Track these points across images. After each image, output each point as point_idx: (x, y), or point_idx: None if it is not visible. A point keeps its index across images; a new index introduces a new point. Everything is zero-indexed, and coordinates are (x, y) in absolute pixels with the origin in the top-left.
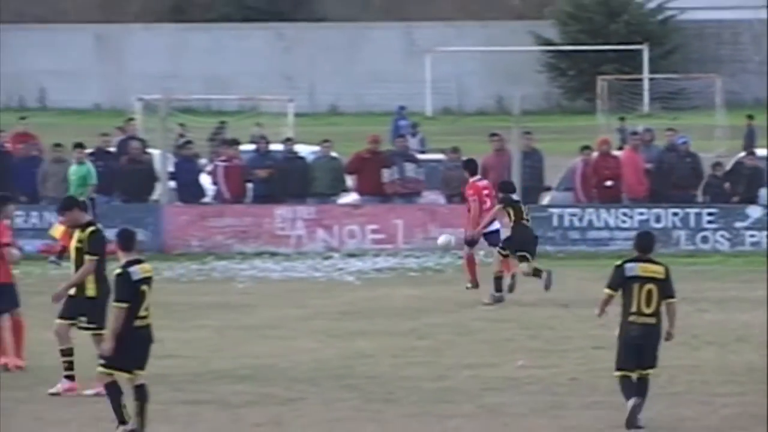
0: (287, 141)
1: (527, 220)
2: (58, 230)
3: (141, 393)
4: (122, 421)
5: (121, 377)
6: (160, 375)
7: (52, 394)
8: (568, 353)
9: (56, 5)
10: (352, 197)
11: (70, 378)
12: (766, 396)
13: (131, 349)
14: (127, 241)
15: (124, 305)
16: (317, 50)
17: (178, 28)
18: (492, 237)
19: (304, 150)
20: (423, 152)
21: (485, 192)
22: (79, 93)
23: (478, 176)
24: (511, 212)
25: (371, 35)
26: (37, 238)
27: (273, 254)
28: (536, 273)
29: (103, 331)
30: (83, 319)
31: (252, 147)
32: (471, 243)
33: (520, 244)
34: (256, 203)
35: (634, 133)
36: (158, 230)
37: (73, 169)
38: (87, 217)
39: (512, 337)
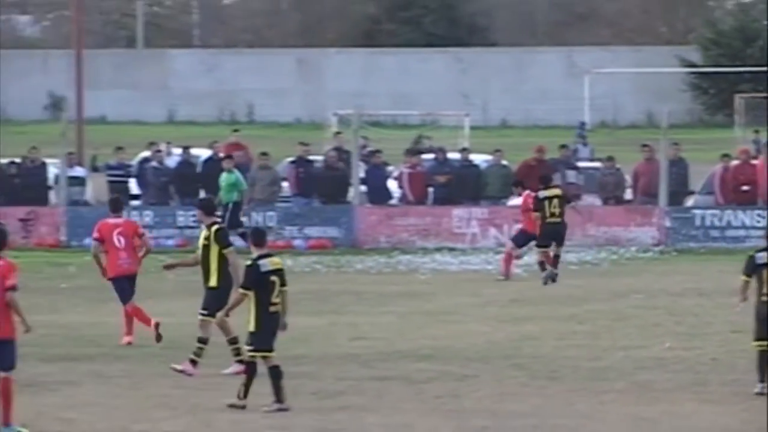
0: (463, 151)
1: (553, 215)
2: None
3: (275, 372)
4: (244, 396)
5: (270, 357)
6: (353, 354)
7: (229, 374)
8: (710, 336)
9: (263, 33)
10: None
11: (239, 362)
12: None
13: (266, 332)
14: (259, 238)
15: (247, 292)
16: (490, 71)
17: (369, 52)
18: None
19: (477, 158)
20: (593, 160)
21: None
22: (282, 108)
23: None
24: (539, 213)
25: (537, 58)
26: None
27: (451, 249)
28: (541, 266)
29: (212, 319)
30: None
31: (432, 156)
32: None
33: (541, 237)
34: (436, 205)
35: None
36: (351, 228)
37: (224, 177)
38: (212, 218)
39: (661, 322)
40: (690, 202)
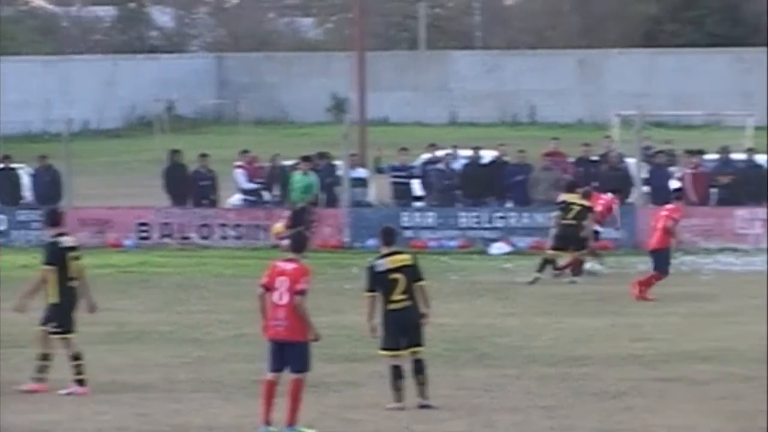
0: (748, 151)
1: (567, 219)
2: (276, 228)
3: (416, 366)
4: (397, 399)
5: (397, 355)
6: (635, 355)
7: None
8: None
9: (544, 34)
10: None
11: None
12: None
13: (389, 332)
14: (386, 236)
15: (368, 294)
16: None
17: (650, 52)
18: None
19: (761, 158)
20: None
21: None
22: (564, 109)
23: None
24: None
25: None
26: (529, 236)
27: (734, 250)
28: (541, 266)
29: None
30: None
31: (716, 156)
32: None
33: (554, 239)
34: (719, 205)
35: None
36: (633, 228)
37: (298, 178)
38: (55, 230)
39: None
40: None
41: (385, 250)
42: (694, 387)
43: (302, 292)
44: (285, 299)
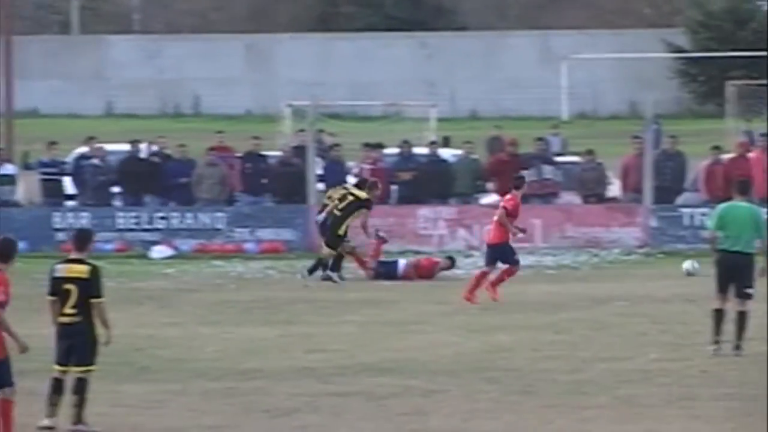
0: (431, 145)
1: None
2: None
3: (76, 386)
4: (49, 414)
5: (63, 371)
6: (309, 368)
7: None
8: (699, 347)
9: (208, 17)
10: (491, 198)
11: None
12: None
13: (58, 345)
14: (77, 240)
15: (50, 299)
16: (457, 58)
17: (325, 37)
18: None
19: (445, 153)
20: (561, 154)
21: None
22: (231, 99)
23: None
24: None
25: (509, 43)
26: (192, 238)
27: (416, 253)
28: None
29: None
30: None
31: (396, 150)
32: None
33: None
34: (400, 204)
35: (763, 135)
36: (307, 230)
37: None
38: None
39: (645, 331)
40: (679, 200)
41: (72, 255)
42: (372, 402)
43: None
44: None
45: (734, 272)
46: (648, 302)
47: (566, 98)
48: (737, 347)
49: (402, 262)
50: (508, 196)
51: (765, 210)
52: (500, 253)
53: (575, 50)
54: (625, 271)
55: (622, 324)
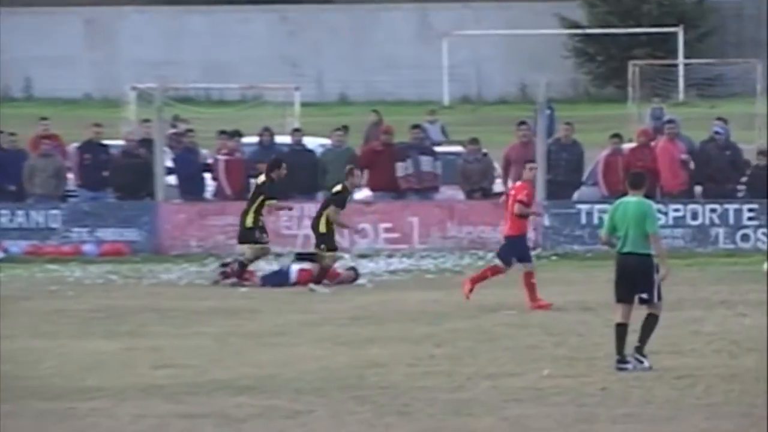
0: (295, 132)
1: None
2: None
3: None
4: None
5: None
6: (156, 386)
7: None
8: (597, 361)
9: None
10: (364, 193)
11: None
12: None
13: None
14: None
15: None
16: (324, 34)
17: (174, 10)
18: None
19: (312, 142)
20: (440, 144)
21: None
22: (68, 81)
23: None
24: None
25: (383, 18)
26: (23, 239)
27: (278, 255)
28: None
29: None
30: None
31: (256, 139)
32: None
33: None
34: None
35: (670, 121)
36: (154, 229)
37: None
38: None
39: (537, 344)
40: (574, 195)
41: None
42: (229, 425)
43: None
44: None
45: (628, 276)
46: (540, 311)
47: (447, 80)
48: (637, 349)
49: (294, 268)
50: (518, 184)
51: (657, 204)
52: (517, 246)
53: (457, 26)
54: (514, 276)
55: (511, 336)
